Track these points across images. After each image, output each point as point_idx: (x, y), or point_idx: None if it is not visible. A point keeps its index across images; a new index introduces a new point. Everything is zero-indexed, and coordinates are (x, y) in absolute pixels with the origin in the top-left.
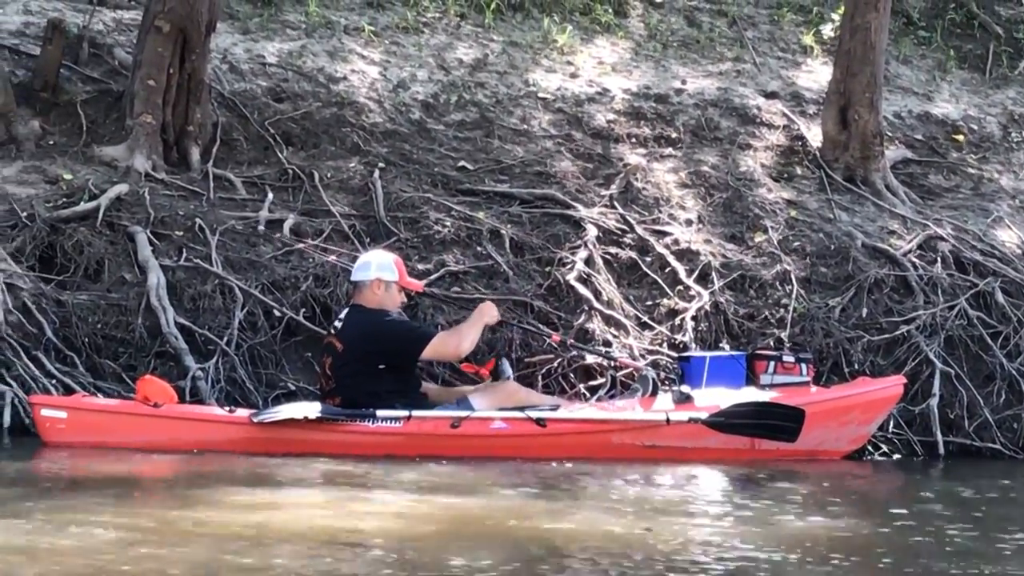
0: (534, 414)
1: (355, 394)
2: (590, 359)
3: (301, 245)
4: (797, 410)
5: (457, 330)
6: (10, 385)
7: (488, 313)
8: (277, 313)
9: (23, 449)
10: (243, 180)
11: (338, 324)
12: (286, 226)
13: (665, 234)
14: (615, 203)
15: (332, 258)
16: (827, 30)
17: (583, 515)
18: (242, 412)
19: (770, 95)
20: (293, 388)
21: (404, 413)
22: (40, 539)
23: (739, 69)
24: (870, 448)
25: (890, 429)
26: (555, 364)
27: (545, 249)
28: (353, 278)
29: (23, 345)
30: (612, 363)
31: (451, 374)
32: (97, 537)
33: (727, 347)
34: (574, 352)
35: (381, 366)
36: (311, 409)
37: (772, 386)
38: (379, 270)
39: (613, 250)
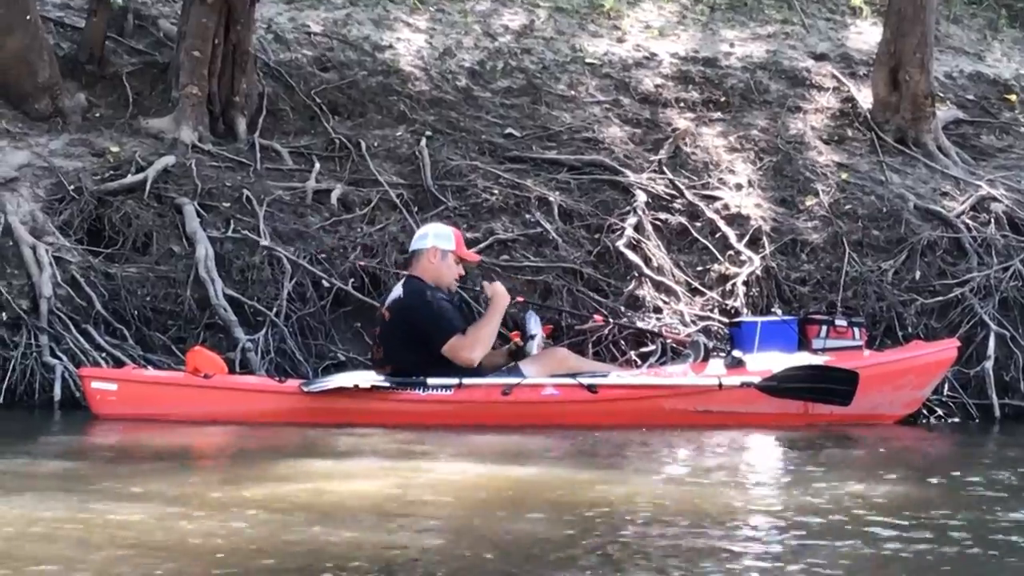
0: (585, 381)
1: (403, 364)
2: (640, 325)
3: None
4: (851, 373)
5: (474, 335)
6: (60, 358)
7: (502, 299)
8: (326, 284)
9: (74, 422)
10: (290, 150)
11: (391, 295)
12: (334, 196)
13: (715, 199)
14: (664, 168)
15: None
16: None
17: (635, 482)
18: (292, 382)
19: (819, 57)
20: (343, 358)
21: (454, 381)
22: (91, 512)
23: (787, 31)
24: (924, 412)
25: (945, 392)
26: (605, 331)
27: (594, 216)
28: (411, 248)
29: (72, 318)
30: (659, 334)
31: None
32: (148, 509)
33: (779, 312)
34: (623, 320)
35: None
36: (362, 378)
37: (824, 351)
38: (436, 239)
39: (663, 216)
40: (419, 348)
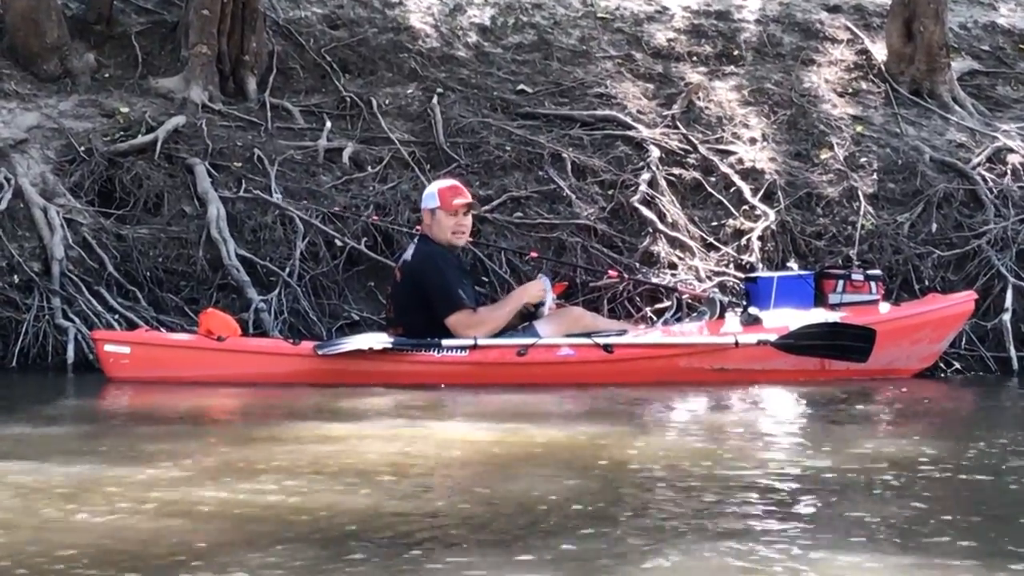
0: (601, 340)
1: (413, 324)
2: (655, 280)
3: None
4: (868, 330)
5: (486, 316)
6: (73, 321)
7: (530, 294)
8: (339, 243)
9: (87, 385)
10: (301, 109)
11: (404, 255)
12: (345, 154)
13: (729, 153)
14: (677, 123)
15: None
16: None
17: (652, 440)
18: (306, 344)
19: (833, 9)
20: (356, 318)
21: (469, 342)
22: (105, 475)
23: None
24: (942, 365)
25: (962, 345)
26: (620, 288)
27: (608, 171)
28: None
29: (85, 280)
30: (674, 289)
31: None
32: (162, 472)
33: (795, 266)
34: (639, 275)
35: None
36: (376, 340)
37: (841, 305)
38: (424, 202)
39: (676, 171)
40: (428, 310)
